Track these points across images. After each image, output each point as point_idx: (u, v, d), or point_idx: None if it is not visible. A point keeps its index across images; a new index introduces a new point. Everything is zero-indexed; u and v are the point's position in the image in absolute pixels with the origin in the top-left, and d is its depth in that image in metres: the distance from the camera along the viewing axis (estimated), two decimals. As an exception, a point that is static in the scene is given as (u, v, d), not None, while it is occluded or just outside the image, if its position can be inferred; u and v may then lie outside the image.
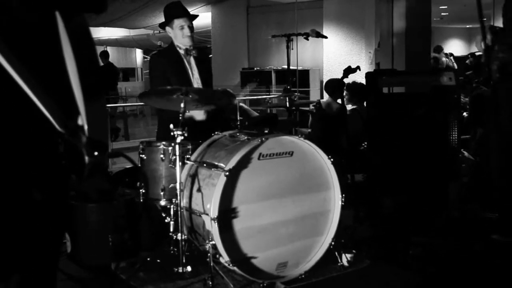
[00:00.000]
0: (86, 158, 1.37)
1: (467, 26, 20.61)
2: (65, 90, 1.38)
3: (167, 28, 4.18)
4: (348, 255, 3.63)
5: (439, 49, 11.50)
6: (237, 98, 4.16)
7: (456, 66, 11.16)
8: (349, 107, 6.15)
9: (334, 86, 6.21)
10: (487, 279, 3.44)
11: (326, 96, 6.33)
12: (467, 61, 10.28)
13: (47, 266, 1.59)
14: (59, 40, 1.38)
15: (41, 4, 1.37)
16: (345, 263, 3.59)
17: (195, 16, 4.23)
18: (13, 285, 1.45)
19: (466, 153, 5.36)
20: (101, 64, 11.76)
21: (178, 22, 4.11)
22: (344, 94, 5.81)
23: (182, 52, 4.15)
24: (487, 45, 3.69)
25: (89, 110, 1.41)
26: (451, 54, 11.49)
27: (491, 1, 9.48)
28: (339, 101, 5.87)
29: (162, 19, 4.31)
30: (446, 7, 15.25)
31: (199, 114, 4.01)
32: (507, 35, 3.76)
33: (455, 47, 19.75)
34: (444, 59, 11.06)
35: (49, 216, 1.51)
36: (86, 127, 1.40)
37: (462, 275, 3.50)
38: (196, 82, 4.13)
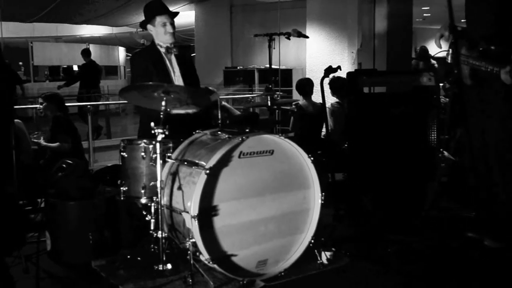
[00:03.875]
0: None
1: (449, 27, 20.73)
2: None
3: (149, 26, 4.16)
4: (328, 253, 3.66)
5: (423, 55, 10.65)
6: (220, 96, 4.16)
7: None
8: (333, 99, 6.21)
9: (302, 86, 6.29)
10: (464, 276, 3.49)
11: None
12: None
13: None
14: None
15: None
16: (325, 261, 3.62)
17: (176, 14, 4.23)
18: None
19: (446, 153, 5.41)
20: (84, 62, 11.68)
21: (160, 19, 4.10)
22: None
23: (163, 50, 4.14)
24: (451, 45, 3.70)
25: None
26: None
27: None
28: (317, 99, 5.94)
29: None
30: (428, 8, 15.36)
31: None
32: (475, 40, 3.78)
33: (437, 48, 19.89)
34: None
35: None
36: None
37: (439, 272, 3.55)
38: (177, 80, 4.12)
